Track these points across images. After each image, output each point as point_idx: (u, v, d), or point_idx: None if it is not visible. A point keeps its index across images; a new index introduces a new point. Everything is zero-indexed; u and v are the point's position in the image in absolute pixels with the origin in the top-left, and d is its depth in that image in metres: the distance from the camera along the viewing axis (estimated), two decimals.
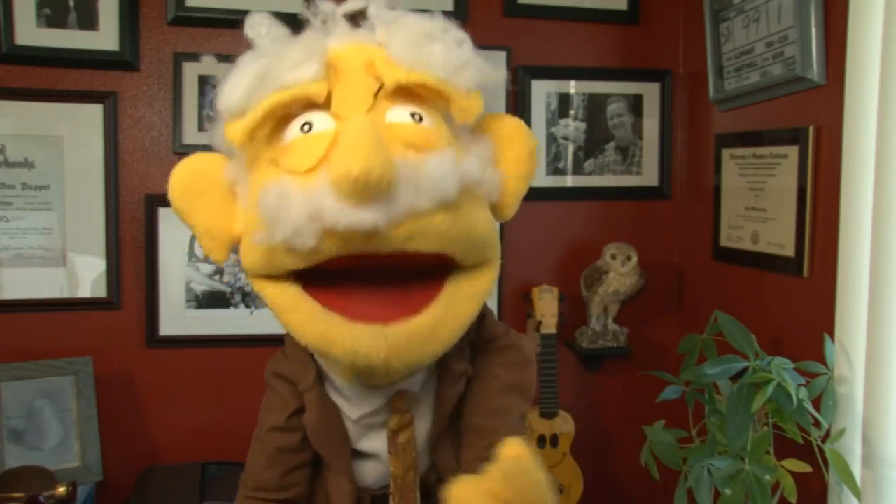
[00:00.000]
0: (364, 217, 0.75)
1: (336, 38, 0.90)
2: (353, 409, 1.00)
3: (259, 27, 0.91)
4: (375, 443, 1.03)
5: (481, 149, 0.90)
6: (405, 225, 0.78)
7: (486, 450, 0.95)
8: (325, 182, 0.76)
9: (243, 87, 0.84)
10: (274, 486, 1.02)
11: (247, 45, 0.94)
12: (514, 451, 0.75)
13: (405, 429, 1.00)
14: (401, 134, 0.81)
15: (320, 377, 1.00)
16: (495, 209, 0.93)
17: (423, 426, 1.03)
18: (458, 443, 1.05)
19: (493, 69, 0.90)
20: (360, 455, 1.05)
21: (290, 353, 1.03)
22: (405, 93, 0.85)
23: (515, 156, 0.94)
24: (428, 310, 0.84)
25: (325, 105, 0.84)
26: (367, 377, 0.88)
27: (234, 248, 0.92)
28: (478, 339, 1.04)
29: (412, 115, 0.84)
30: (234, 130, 0.84)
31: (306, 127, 0.83)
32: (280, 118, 0.85)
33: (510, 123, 0.96)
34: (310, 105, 0.84)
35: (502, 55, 2.04)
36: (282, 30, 0.91)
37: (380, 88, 0.85)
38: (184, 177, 0.90)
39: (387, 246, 0.78)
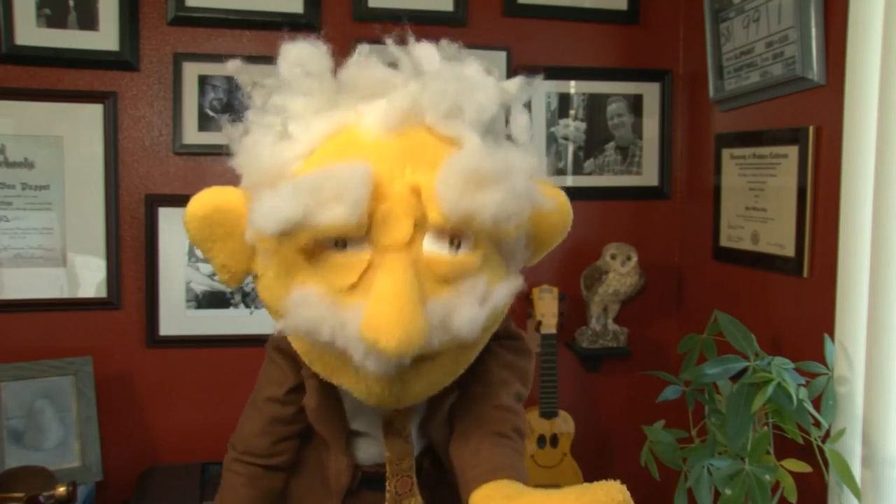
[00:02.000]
0: (390, 369, 0.79)
1: (375, 116, 0.86)
2: (349, 397, 1.03)
3: (295, 65, 0.88)
4: (369, 422, 1.06)
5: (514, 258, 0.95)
6: (425, 362, 0.83)
7: (482, 414, 1.00)
8: (354, 334, 0.77)
9: (281, 219, 0.79)
10: (264, 452, 1.07)
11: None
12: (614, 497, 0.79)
13: (400, 416, 1.04)
14: (436, 268, 0.82)
15: None
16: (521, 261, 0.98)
17: (417, 413, 1.06)
18: (451, 422, 1.07)
19: (543, 198, 0.90)
20: (353, 433, 1.08)
21: None
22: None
23: (552, 224, 1.00)
24: (440, 357, 0.86)
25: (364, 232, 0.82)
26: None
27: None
28: None
29: (451, 241, 0.83)
30: (268, 243, 0.84)
31: (340, 244, 0.81)
32: None
33: (556, 196, 0.99)
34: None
35: (502, 55, 2.04)
36: (322, 63, 0.89)
37: (420, 217, 0.83)
38: (201, 216, 0.89)
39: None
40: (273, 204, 0.78)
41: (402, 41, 0.92)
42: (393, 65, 0.91)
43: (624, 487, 0.79)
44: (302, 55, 0.88)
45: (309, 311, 0.81)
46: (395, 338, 0.74)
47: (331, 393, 1.02)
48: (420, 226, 0.81)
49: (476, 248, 0.84)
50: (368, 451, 1.09)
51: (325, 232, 0.78)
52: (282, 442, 1.08)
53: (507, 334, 1.08)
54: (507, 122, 0.96)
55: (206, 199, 0.89)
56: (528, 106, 1.01)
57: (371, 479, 1.09)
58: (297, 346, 0.91)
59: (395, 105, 0.85)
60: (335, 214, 0.77)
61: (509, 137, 0.95)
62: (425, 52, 0.92)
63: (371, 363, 0.78)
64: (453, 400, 1.06)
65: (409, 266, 0.79)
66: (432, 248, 0.82)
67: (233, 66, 0.93)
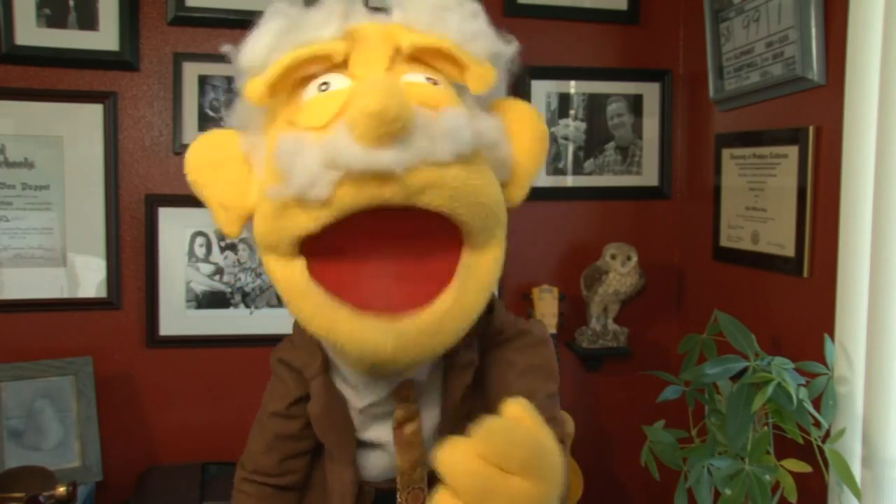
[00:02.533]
0: (380, 158, 0.74)
1: (355, 17, 0.90)
2: (358, 398, 1.00)
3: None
4: (381, 433, 1.02)
5: (494, 120, 0.90)
6: (419, 173, 0.76)
7: None
8: (340, 129, 0.76)
9: (265, 44, 0.85)
10: (272, 470, 1.04)
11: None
12: (510, 411, 0.70)
13: (411, 421, 1.00)
14: (417, 92, 0.81)
15: (327, 365, 1.00)
16: (505, 190, 0.90)
17: (430, 419, 1.02)
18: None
19: (505, 43, 0.92)
20: (364, 445, 1.04)
21: (297, 340, 1.03)
22: (421, 60, 0.86)
23: (527, 138, 0.93)
24: (437, 302, 0.83)
25: (343, 67, 0.85)
26: (374, 369, 0.87)
27: (247, 226, 0.90)
28: (487, 332, 1.02)
29: (428, 79, 0.85)
30: (253, 86, 0.83)
31: (324, 87, 0.83)
32: (298, 80, 0.85)
33: (521, 107, 0.96)
34: (328, 67, 0.85)
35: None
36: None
37: (397, 53, 0.86)
38: (199, 149, 0.90)
39: (400, 195, 0.77)
40: (257, 34, 0.84)
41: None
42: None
43: (519, 401, 0.73)
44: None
45: (295, 141, 0.79)
46: (378, 97, 0.72)
47: (337, 399, 1.00)
48: (398, 61, 0.85)
49: (453, 91, 0.86)
50: (379, 464, 1.05)
51: (307, 51, 0.81)
52: (290, 459, 1.05)
53: (515, 332, 1.04)
54: None
55: (206, 134, 0.92)
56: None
57: (386, 495, 1.05)
58: (291, 293, 0.85)
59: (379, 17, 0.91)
60: (316, 33, 0.83)
61: None
62: None
63: (360, 157, 0.74)
64: (467, 408, 1.01)
65: (387, 75, 0.81)
66: (410, 78, 0.84)
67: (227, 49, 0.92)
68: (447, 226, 0.82)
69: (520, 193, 0.93)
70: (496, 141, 0.87)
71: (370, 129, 0.73)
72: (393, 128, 0.73)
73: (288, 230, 0.81)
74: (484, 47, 0.88)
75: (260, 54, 0.84)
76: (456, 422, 1.01)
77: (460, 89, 0.88)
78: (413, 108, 0.75)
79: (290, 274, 0.84)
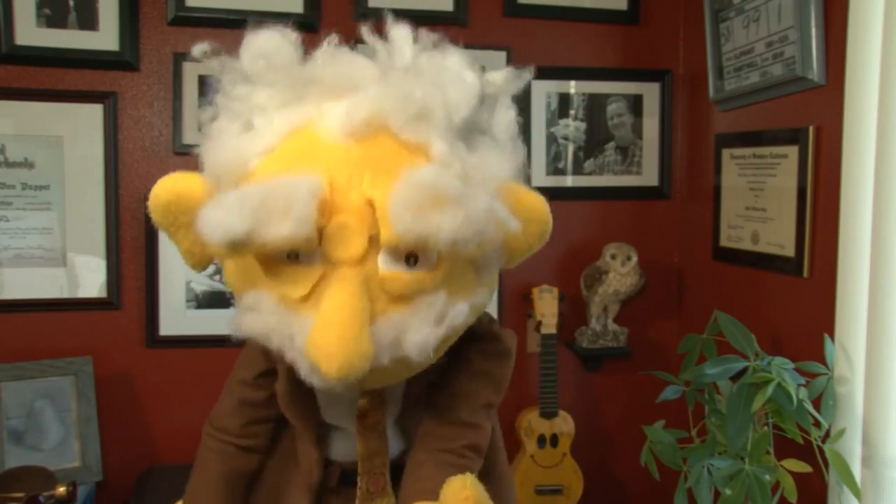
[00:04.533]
0: (337, 388, 0.79)
1: (337, 98, 0.84)
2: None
3: (259, 58, 0.86)
4: (343, 416, 1.05)
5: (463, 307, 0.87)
6: (370, 376, 0.79)
7: (435, 428, 1.00)
8: (304, 336, 0.76)
9: (231, 231, 0.76)
10: (235, 432, 1.08)
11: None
12: (458, 495, 0.74)
13: (374, 410, 1.02)
14: (390, 286, 0.79)
15: None
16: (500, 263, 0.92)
17: (392, 410, 1.05)
18: None
19: (511, 221, 0.83)
20: (328, 426, 1.07)
21: None
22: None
23: (531, 233, 0.90)
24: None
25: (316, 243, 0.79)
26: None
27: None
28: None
29: (408, 259, 0.79)
30: (219, 251, 0.82)
31: (292, 255, 0.79)
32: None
33: (533, 203, 0.90)
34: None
35: (502, 55, 2.04)
36: (287, 55, 0.86)
37: (374, 238, 0.79)
38: (164, 202, 0.90)
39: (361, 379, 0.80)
40: (219, 217, 0.76)
41: (377, 30, 0.90)
42: (370, 55, 0.88)
43: (469, 479, 0.77)
44: (266, 46, 0.86)
45: (260, 317, 0.82)
46: (336, 363, 0.73)
47: (302, 382, 0.99)
48: (375, 241, 0.78)
49: (437, 264, 0.80)
50: (345, 446, 1.07)
51: (272, 246, 0.76)
52: (253, 425, 1.08)
53: (485, 336, 1.04)
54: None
55: (169, 186, 0.90)
56: (519, 101, 0.96)
57: (350, 475, 1.07)
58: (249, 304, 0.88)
59: (356, 109, 0.80)
60: (281, 230, 0.73)
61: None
62: (400, 42, 0.89)
63: (315, 381, 0.79)
64: (427, 396, 1.04)
65: (359, 284, 0.77)
66: (387, 263, 0.78)
67: (198, 50, 0.90)
68: None
69: (512, 266, 0.94)
70: (467, 317, 0.87)
71: (328, 382, 0.76)
72: (351, 380, 0.76)
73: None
74: (477, 245, 0.79)
75: (225, 239, 0.77)
76: (416, 412, 1.05)
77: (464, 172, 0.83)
78: (371, 355, 0.75)
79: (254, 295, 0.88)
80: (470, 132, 0.87)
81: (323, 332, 0.74)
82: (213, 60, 0.89)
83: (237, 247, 0.76)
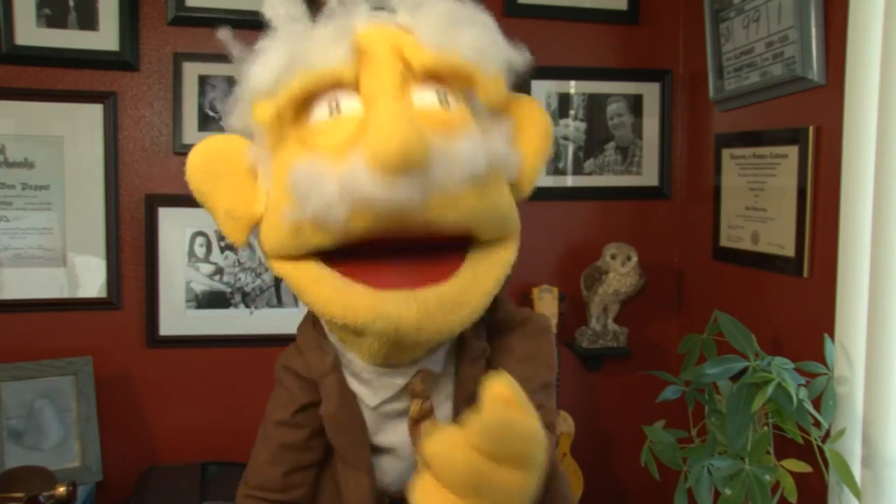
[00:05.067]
0: (400, 193, 0.74)
1: (359, 20, 0.88)
2: (371, 395, 0.97)
3: (277, 7, 0.88)
4: (393, 436, 0.99)
5: (501, 128, 0.90)
6: (436, 203, 0.77)
7: None
8: (359, 159, 0.75)
9: (272, 68, 0.83)
10: (276, 484, 1.00)
11: (247, 42, 0.92)
12: (498, 394, 0.68)
13: (426, 417, 0.97)
14: (430, 119, 0.80)
15: (338, 364, 0.98)
16: (514, 187, 0.92)
17: (443, 414, 0.99)
18: None
19: (517, 52, 0.90)
20: (376, 451, 1.01)
21: (303, 345, 1.01)
22: (431, 74, 0.85)
23: (532, 135, 0.94)
24: (454, 277, 0.84)
25: (353, 86, 0.84)
26: (395, 346, 0.86)
27: (253, 232, 0.91)
28: (493, 320, 1.01)
29: (438, 96, 0.85)
30: (262, 111, 0.83)
31: (334, 106, 0.82)
32: (306, 97, 0.84)
33: (526, 103, 0.97)
34: (337, 85, 0.84)
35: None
36: (300, 8, 0.89)
37: (407, 69, 0.85)
38: (203, 157, 0.88)
39: (417, 223, 0.78)
40: (265, 57, 0.81)
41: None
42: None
43: (505, 379, 0.71)
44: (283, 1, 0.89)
45: (311, 167, 0.78)
46: (399, 135, 0.72)
47: (350, 398, 0.97)
48: (407, 80, 0.82)
49: (463, 106, 0.86)
50: (395, 471, 1.01)
51: (317, 76, 0.80)
52: (295, 472, 1.01)
53: (520, 319, 1.03)
54: None
55: (207, 142, 0.90)
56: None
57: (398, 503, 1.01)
58: (305, 283, 0.85)
59: (383, 16, 0.88)
60: (324, 56, 0.79)
61: None
62: None
63: (380, 191, 0.74)
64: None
65: (402, 105, 0.79)
66: (422, 101, 0.83)
67: (223, 34, 0.90)
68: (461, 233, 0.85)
69: (527, 188, 0.95)
70: (507, 156, 0.88)
71: (392, 165, 0.72)
72: (414, 163, 0.73)
73: (303, 246, 0.82)
74: (496, 61, 0.87)
75: (268, 78, 0.83)
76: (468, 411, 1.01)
77: (468, 95, 0.88)
78: (431, 142, 0.75)
79: (303, 268, 0.85)
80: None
81: (377, 124, 0.75)
82: (235, 48, 0.90)
83: (285, 84, 0.80)
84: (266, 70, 0.82)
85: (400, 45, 0.84)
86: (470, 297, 0.84)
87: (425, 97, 0.83)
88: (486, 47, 0.84)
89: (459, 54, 0.83)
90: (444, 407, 0.99)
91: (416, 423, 0.97)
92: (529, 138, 0.94)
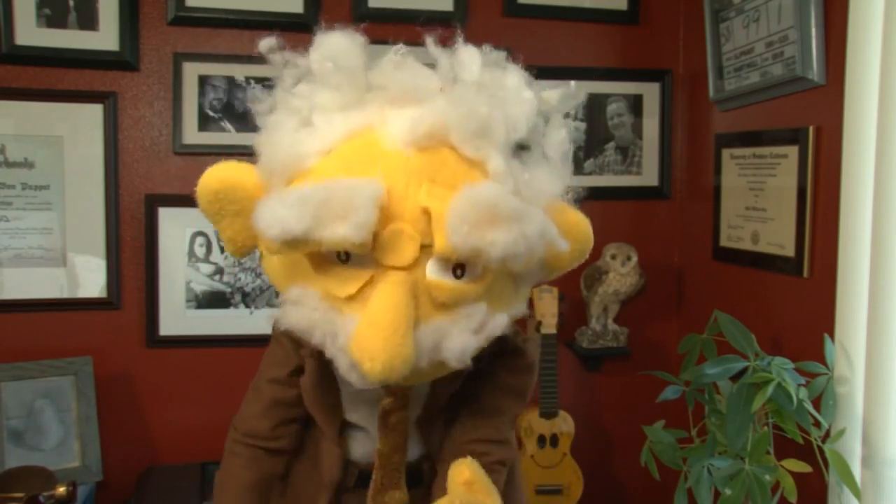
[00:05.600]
0: (375, 384, 0.80)
1: (400, 107, 0.85)
2: (349, 382, 1.01)
3: (326, 60, 0.86)
4: (365, 416, 1.05)
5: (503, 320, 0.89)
6: (418, 375, 0.83)
7: (465, 444, 1.02)
8: (347, 335, 0.79)
9: (293, 228, 0.77)
10: (265, 434, 1.07)
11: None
12: (464, 480, 0.76)
13: (397, 411, 1.02)
14: (436, 294, 0.81)
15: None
16: (543, 269, 0.94)
17: (415, 412, 1.05)
18: (447, 429, 1.07)
19: (559, 240, 0.86)
20: (350, 426, 1.07)
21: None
22: None
23: (573, 250, 0.92)
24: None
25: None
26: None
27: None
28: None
29: (455, 269, 0.82)
30: (271, 247, 0.81)
31: (343, 256, 0.82)
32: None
33: (577, 222, 0.95)
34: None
35: (502, 55, 2.04)
36: (355, 58, 0.87)
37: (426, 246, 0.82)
38: (215, 190, 0.88)
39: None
40: (278, 213, 0.77)
41: (443, 42, 0.90)
42: (430, 65, 0.89)
43: (467, 460, 0.80)
44: (335, 48, 0.87)
45: (305, 312, 0.83)
46: (379, 363, 0.75)
47: (328, 378, 1.02)
48: (426, 249, 0.80)
49: (481, 277, 0.83)
50: (365, 446, 1.08)
51: (328, 247, 0.78)
52: (283, 425, 1.07)
53: (511, 350, 1.05)
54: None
55: (221, 174, 0.88)
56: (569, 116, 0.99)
57: (368, 476, 1.07)
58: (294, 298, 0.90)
59: (421, 120, 0.82)
60: (339, 232, 0.75)
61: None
62: (467, 57, 0.89)
63: (354, 379, 0.81)
64: (449, 403, 1.05)
65: (407, 290, 0.79)
66: (435, 272, 0.81)
67: (265, 45, 0.91)
68: None
69: (549, 280, 0.98)
70: (502, 331, 0.88)
71: (372, 380, 0.78)
72: (394, 380, 0.78)
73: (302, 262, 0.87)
74: (528, 259, 0.82)
75: (290, 232, 0.77)
76: (436, 416, 1.07)
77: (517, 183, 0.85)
78: (412, 360, 0.78)
79: (297, 284, 0.88)
80: (524, 148, 0.90)
81: (368, 332, 0.76)
82: (276, 55, 0.90)
83: (293, 244, 0.78)
84: (278, 231, 0.77)
85: (428, 210, 0.80)
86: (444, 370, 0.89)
87: (439, 270, 0.81)
88: (518, 252, 0.79)
89: (484, 257, 0.78)
90: (415, 408, 1.05)
91: (386, 414, 1.03)
92: (559, 266, 0.94)
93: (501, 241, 0.76)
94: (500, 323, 0.86)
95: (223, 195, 0.87)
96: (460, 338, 0.82)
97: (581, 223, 0.94)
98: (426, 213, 0.80)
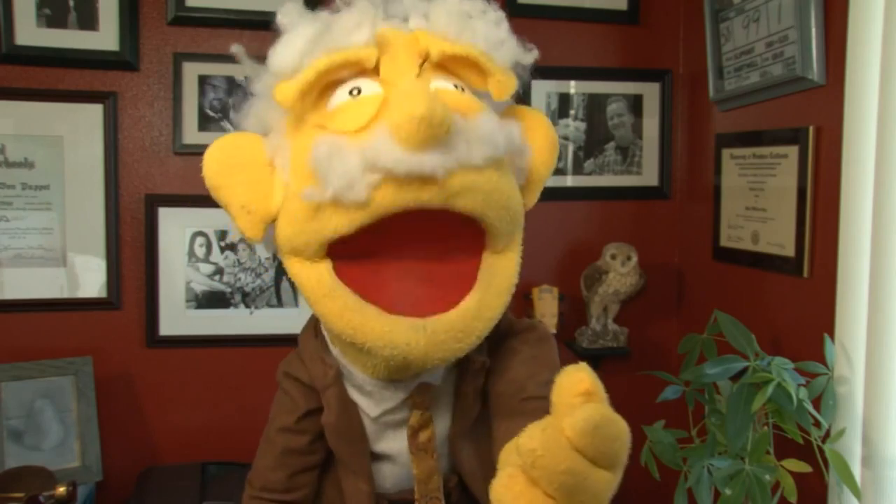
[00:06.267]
0: (423, 163, 0.75)
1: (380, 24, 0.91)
2: (373, 405, 0.99)
3: (291, 13, 0.89)
4: (393, 444, 1.02)
5: (513, 124, 0.91)
6: (458, 177, 0.78)
7: (518, 404, 0.94)
8: (381, 132, 0.76)
9: (297, 48, 0.84)
10: (281, 486, 1.02)
11: (247, 46, 0.93)
12: (578, 384, 0.67)
13: (425, 427, 0.99)
14: (448, 98, 0.81)
15: (339, 377, 0.99)
16: (521, 192, 0.93)
17: (442, 424, 1.02)
18: (478, 445, 1.04)
19: (525, 50, 0.93)
20: (377, 457, 1.04)
21: (306, 353, 1.02)
22: (446, 67, 0.88)
23: (540, 145, 0.95)
24: (463, 303, 0.85)
25: (373, 72, 0.86)
26: (401, 369, 0.88)
27: (268, 229, 0.90)
28: (494, 332, 1.01)
29: (455, 85, 0.87)
30: (285, 90, 0.83)
31: (355, 91, 0.84)
32: (327, 84, 0.85)
33: (534, 114, 0.98)
34: (358, 72, 0.85)
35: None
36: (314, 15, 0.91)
37: (425, 60, 0.87)
38: (220, 152, 0.87)
39: (438, 198, 0.78)
40: (289, 38, 0.83)
41: None
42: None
43: (583, 366, 0.71)
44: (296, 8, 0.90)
45: (333, 143, 0.79)
46: (421, 103, 0.73)
47: (351, 408, 0.99)
48: (426, 68, 0.86)
49: (478, 98, 0.88)
50: (394, 477, 1.04)
51: (341, 56, 0.81)
52: (299, 475, 1.04)
53: (522, 327, 1.05)
54: None
55: (223, 142, 0.89)
56: (520, 101, 1.01)
57: None
58: (317, 294, 0.85)
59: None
60: (349, 38, 0.82)
61: None
62: None
63: (404, 159, 0.75)
64: (477, 414, 1.02)
65: (422, 81, 0.83)
66: (440, 84, 0.86)
67: (237, 48, 0.94)
68: (471, 229, 0.85)
69: (533, 198, 0.97)
70: (521, 147, 0.89)
71: (415, 133, 0.73)
72: (438, 132, 0.74)
73: (320, 232, 0.82)
74: (506, 56, 0.89)
75: (292, 59, 0.83)
76: (467, 426, 1.02)
77: (481, 95, 0.90)
78: (453, 113, 0.76)
79: (316, 275, 0.84)
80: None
81: (399, 96, 0.77)
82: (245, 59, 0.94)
83: (307, 80, 0.81)
84: (291, 49, 0.83)
85: (417, 36, 0.87)
86: (476, 325, 0.86)
87: (442, 84, 0.86)
88: (497, 39, 0.88)
89: (474, 44, 0.85)
90: (443, 418, 1.01)
91: (415, 433, 0.99)
92: (538, 149, 0.94)
93: (482, 28, 0.87)
94: (515, 131, 0.87)
95: (230, 149, 0.87)
96: (488, 123, 0.82)
97: (538, 114, 1.00)
98: (416, 40, 0.87)
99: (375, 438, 1.02)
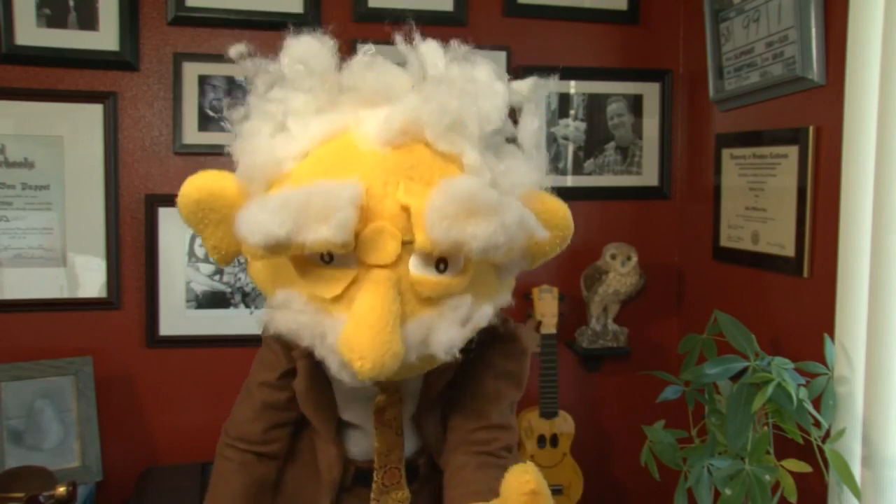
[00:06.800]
0: (366, 381, 0.80)
1: (373, 107, 0.86)
2: (342, 380, 1.02)
3: (296, 63, 0.87)
4: (360, 414, 1.06)
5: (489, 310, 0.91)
6: (408, 368, 0.84)
7: (470, 433, 1.02)
8: (335, 335, 0.79)
9: (273, 234, 0.77)
10: (256, 438, 1.07)
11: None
12: (528, 487, 0.73)
13: (391, 407, 1.03)
14: (420, 289, 0.81)
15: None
16: (526, 259, 0.96)
17: (409, 408, 1.06)
18: (444, 423, 1.07)
19: (538, 229, 0.87)
20: (345, 424, 1.08)
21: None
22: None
23: (553, 237, 0.96)
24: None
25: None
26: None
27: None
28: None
29: (438, 264, 0.82)
30: (256, 252, 0.82)
31: (327, 258, 0.82)
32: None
33: (555, 207, 0.96)
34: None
35: (502, 55, 2.04)
36: (325, 61, 0.88)
37: (408, 243, 0.82)
38: (196, 199, 0.87)
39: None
40: (259, 219, 0.77)
41: (408, 39, 0.91)
42: (400, 64, 0.90)
43: (529, 467, 0.76)
44: (305, 52, 0.87)
45: (292, 315, 0.84)
46: (369, 361, 0.75)
47: (321, 378, 1.02)
48: (407, 246, 0.81)
49: (464, 269, 0.83)
50: (361, 444, 1.08)
51: (310, 249, 0.78)
52: (275, 429, 1.07)
53: (503, 336, 1.06)
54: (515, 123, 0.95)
55: (201, 183, 0.88)
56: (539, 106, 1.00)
57: (365, 474, 1.08)
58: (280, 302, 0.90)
59: (394, 118, 0.83)
60: (321, 234, 0.76)
61: (516, 140, 0.94)
62: (431, 54, 0.90)
63: (345, 377, 0.81)
64: (445, 396, 1.06)
65: (391, 286, 0.79)
66: (418, 267, 0.81)
67: (235, 51, 0.91)
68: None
69: (532, 269, 1.00)
70: (488, 322, 0.90)
71: (362, 378, 0.78)
72: (386, 373, 0.78)
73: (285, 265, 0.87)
74: (508, 252, 0.83)
75: (268, 242, 0.78)
76: (431, 410, 1.07)
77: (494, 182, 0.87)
78: (401, 355, 0.78)
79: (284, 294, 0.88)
80: (498, 141, 0.92)
81: (356, 331, 0.77)
82: (248, 61, 0.91)
83: (276, 249, 0.78)
84: (260, 236, 0.78)
85: (408, 208, 0.80)
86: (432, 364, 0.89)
87: (421, 266, 0.82)
88: (498, 243, 0.79)
89: (465, 250, 0.79)
90: (409, 404, 1.06)
91: (381, 410, 1.04)
92: (550, 238, 0.94)
93: (481, 233, 0.77)
94: (485, 314, 0.88)
95: (204, 204, 0.87)
96: (447, 331, 0.83)
97: (560, 209, 0.96)
98: (405, 209, 0.81)
99: (344, 408, 1.06)
